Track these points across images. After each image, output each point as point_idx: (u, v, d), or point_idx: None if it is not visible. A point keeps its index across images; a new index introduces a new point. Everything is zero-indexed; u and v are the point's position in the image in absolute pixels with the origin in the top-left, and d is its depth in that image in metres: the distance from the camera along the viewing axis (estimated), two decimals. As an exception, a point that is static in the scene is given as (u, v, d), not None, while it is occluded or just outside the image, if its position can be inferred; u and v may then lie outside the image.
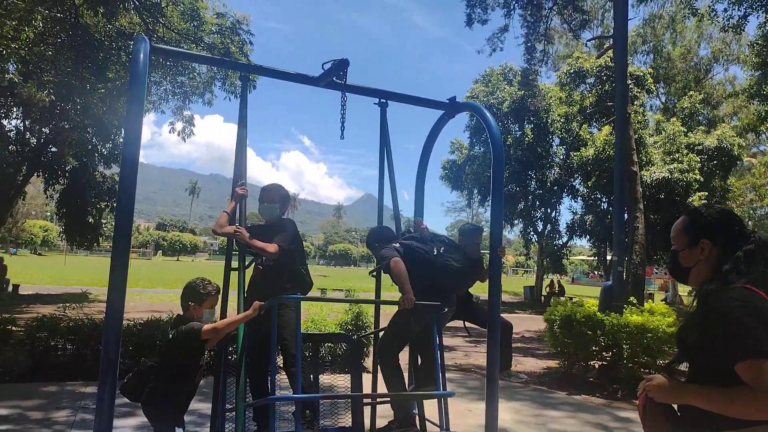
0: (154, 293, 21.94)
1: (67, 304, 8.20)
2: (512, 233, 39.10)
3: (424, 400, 4.53)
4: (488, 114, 4.65)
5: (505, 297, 32.72)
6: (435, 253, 4.26)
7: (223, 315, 4.04)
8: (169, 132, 13.17)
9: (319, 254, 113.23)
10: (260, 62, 10.02)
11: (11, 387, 6.42)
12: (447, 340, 13.38)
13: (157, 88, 12.83)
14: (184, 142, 13.55)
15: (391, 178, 4.81)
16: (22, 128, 17.08)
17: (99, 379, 3.35)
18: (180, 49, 8.40)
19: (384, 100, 4.75)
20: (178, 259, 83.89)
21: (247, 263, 4.17)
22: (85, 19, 9.10)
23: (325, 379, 5.37)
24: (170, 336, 3.48)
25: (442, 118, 5.15)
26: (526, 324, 18.33)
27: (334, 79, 4.09)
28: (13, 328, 7.86)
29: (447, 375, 5.34)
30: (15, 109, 15.53)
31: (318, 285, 24.79)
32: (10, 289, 18.50)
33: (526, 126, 27.07)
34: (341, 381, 5.43)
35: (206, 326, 3.39)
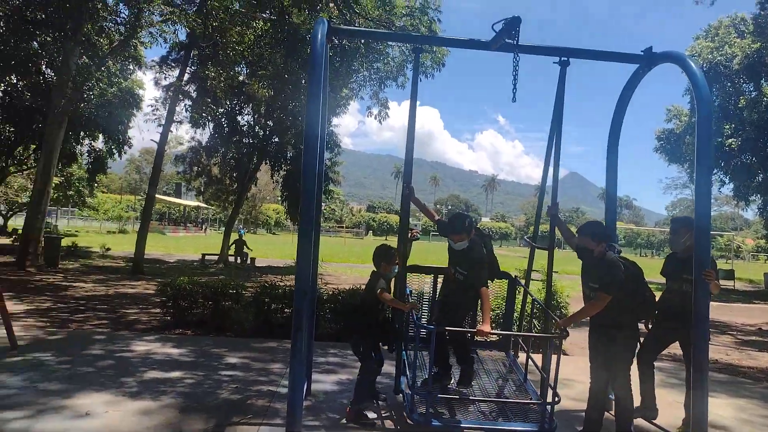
0: (363, 268, 23.78)
1: (284, 276, 9.30)
2: (749, 211, 33.39)
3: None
4: (692, 64, 4.00)
5: (739, 285, 28.25)
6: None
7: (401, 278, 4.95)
8: (366, 116, 14.07)
9: (520, 236, 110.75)
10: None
11: (242, 341, 7.57)
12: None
13: (356, 75, 13.75)
14: (380, 125, 14.39)
15: (557, 144, 4.52)
16: (252, 122, 19.89)
17: (292, 329, 3.80)
18: (356, 28, 8.81)
19: (565, 58, 4.39)
20: (386, 239, 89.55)
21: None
22: (292, 18, 10.15)
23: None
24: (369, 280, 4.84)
25: (636, 74, 4.59)
26: (765, 316, 15.65)
27: (506, 40, 3.89)
28: (244, 292, 9.23)
29: (658, 364, 5.20)
30: (245, 107, 18.12)
31: (518, 266, 24.22)
32: (248, 261, 21.69)
33: (764, 84, 22.69)
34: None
35: (381, 290, 4.56)
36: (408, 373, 4.76)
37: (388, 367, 5.42)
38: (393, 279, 4.87)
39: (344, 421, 4.60)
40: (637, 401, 4.81)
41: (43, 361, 5.93)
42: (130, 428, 4.25)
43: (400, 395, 4.95)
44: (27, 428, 4.11)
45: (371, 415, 4.74)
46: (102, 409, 4.58)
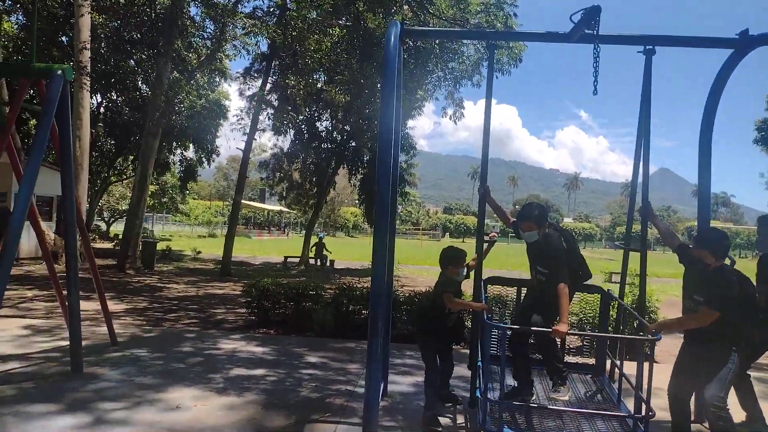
0: (439, 270, 23.62)
1: (361, 278, 9.42)
2: None
3: None
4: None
5: None
6: None
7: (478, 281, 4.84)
8: (441, 117, 14.00)
9: (606, 236, 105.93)
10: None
11: (321, 341, 7.74)
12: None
13: (431, 76, 13.72)
14: (456, 125, 14.29)
15: (646, 138, 4.22)
16: (330, 128, 20.39)
17: (368, 333, 3.83)
18: (428, 28, 8.77)
19: (650, 47, 4.12)
20: (463, 241, 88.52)
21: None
22: (367, 22, 10.30)
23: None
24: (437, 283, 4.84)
25: (730, 60, 4.24)
26: None
27: (586, 31, 3.72)
28: (324, 293, 9.43)
29: (757, 374, 4.74)
30: (324, 113, 18.61)
31: (603, 268, 23.20)
32: (328, 263, 22.19)
33: None
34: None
35: (448, 296, 4.53)
36: (481, 380, 4.61)
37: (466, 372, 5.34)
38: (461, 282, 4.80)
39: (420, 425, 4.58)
40: (740, 416, 4.43)
41: (140, 357, 6.35)
42: (216, 422, 4.45)
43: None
44: (125, 418, 4.42)
45: (444, 420, 4.67)
46: (191, 403, 4.84)
